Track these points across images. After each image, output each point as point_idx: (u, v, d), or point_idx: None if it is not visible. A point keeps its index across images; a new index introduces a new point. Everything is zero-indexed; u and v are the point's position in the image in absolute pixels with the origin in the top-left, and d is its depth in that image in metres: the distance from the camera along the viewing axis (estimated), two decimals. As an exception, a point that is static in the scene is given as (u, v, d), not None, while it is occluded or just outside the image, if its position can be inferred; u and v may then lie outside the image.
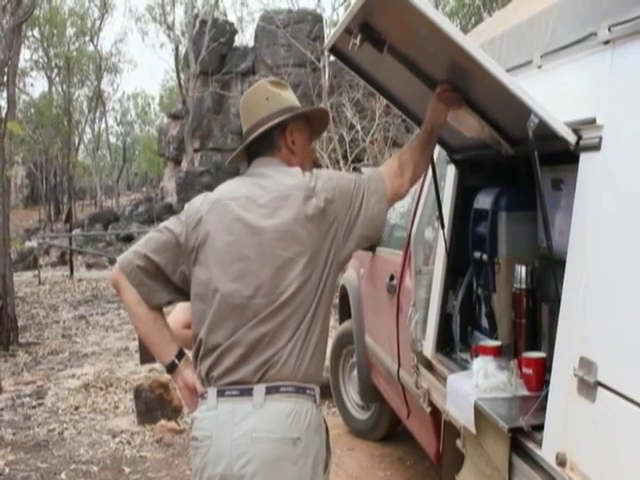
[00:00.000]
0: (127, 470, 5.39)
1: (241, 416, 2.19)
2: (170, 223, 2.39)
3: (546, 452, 2.15)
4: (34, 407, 7.22)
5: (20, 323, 10.96)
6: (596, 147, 2.07)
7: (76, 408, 7.08)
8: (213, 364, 2.26)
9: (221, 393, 2.23)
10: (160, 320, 2.38)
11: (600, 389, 1.90)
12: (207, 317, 2.28)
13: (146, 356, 2.61)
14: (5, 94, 10.94)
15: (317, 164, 16.96)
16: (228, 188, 2.43)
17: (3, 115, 10.46)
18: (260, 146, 2.46)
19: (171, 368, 2.39)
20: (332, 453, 2.43)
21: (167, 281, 2.35)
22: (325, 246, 2.28)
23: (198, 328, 2.31)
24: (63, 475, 5.36)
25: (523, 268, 2.86)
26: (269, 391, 2.19)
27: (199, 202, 2.40)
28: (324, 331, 2.32)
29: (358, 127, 14.95)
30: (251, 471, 2.15)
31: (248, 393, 2.20)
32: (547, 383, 2.33)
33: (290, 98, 2.50)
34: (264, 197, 2.31)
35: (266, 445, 2.17)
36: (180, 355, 2.38)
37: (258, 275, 2.24)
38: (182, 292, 2.38)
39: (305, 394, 2.23)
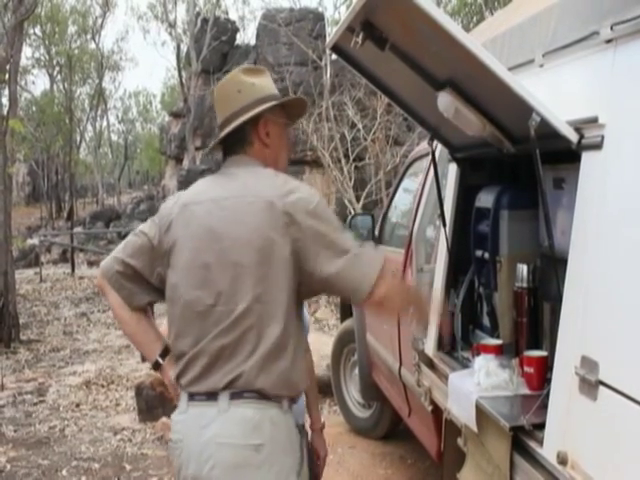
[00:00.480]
0: (128, 467, 5.40)
1: (207, 421, 2.18)
2: (145, 226, 2.39)
3: (547, 451, 2.15)
4: (35, 404, 7.24)
5: (21, 320, 10.99)
6: (598, 146, 2.07)
7: (77, 405, 7.10)
8: (181, 371, 2.26)
9: (191, 397, 2.24)
10: (143, 321, 2.39)
11: (602, 388, 1.90)
12: (174, 322, 2.29)
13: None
14: (7, 92, 10.95)
15: (319, 163, 16.96)
16: (198, 189, 2.38)
17: (5, 113, 10.47)
18: (233, 142, 2.40)
19: (156, 366, 2.41)
20: (304, 458, 2.36)
21: (146, 283, 2.36)
22: (285, 262, 2.18)
23: (169, 331, 2.34)
24: (64, 472, 5.37)
25: (525, 267, 2.86)
26: (233, 397, 2.17)
27: (171, 204, 2.38)
28: (295, 346, 2.24)
29: (360, 126, 14.94)
30: (215, 476, 2.16)
31: (214, 398, 2.19)
32: (548, 382, 2.32)
33: (265, 86, 2.41)
34: (229, 200, 2.25)
35: (229, 451, 2.16)
36: (164, 354, 2.38)
37: (218, 283, 2.19)
38: (162, 292, 2.37)
39: (270, 401, 2.18)
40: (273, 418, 2.18)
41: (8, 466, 5.50)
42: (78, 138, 39.40)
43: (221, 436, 2.16)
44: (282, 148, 2.45)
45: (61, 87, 37.57)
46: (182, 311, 2.25)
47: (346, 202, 14.87)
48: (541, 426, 2.22)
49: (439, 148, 3.51)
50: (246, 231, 2.18)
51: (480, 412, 2.57)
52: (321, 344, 7.52)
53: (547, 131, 2.15)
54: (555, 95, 2.42)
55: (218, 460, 2.15)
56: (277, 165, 2.40)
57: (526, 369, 2.64)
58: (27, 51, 35.76)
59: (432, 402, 3.47)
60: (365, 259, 2.21)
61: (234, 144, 2.39)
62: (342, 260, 2.17)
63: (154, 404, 6.38)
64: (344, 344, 6.10)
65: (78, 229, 26.46)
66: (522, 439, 2.33)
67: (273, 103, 2.37)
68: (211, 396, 2.19)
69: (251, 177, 2.30)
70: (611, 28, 2.09)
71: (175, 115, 29.36)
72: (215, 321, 2.19)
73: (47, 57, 36.95)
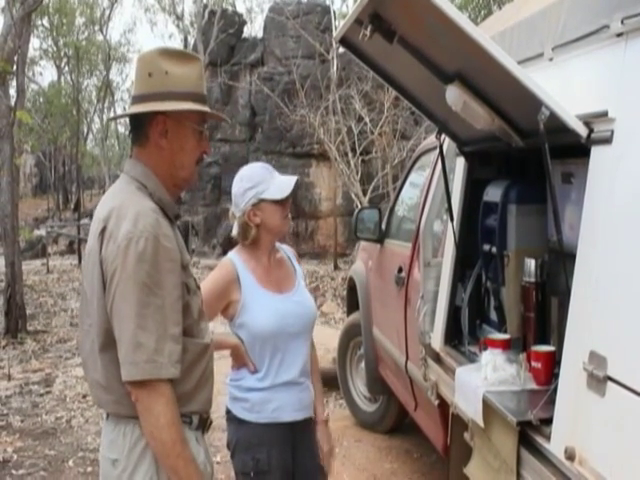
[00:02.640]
0: (134, 459, 5.41)
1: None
2: None
3: (555, 446, 2.15)
4: (42, 395, 7.27)
5: (28, 311, 11.02)
6: (607, 140, 2.06)
7: (84, 396, 7.11)
8: None
9: None
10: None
11: (610, 383, 1.89)
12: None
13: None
14: (14, 83, 10.97)
15: (325, 156, 16.95)
16: (100, 202, 2.19)
17: (12, 104, 10.48)
18: (133, 129, 2.17)
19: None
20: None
21: None
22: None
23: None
24: (70, 462, 5.39)
25: (532, 261, 2.85)
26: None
27: None
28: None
29: (367, 119, 14.92)
30: None
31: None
32: (556, 377, 2.32)
33: (181, 79, 2.10)
34: (92, 228, 2.11)
35: (101, 462, 2.20)
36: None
37: (90, 314, 2.12)
38: None
39: (125, 417, 2.09)
40: (127, 435, 2.08)
41: (15, 456, 5.52)
42: (85, 130, 39.40)
43: (101, 446, 2.21)
44: (184, 152, 2.15)
45: (68, 79, 37.54)
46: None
47: (353, 196, 14.87)
48: (548, 421, 2.23)
49: (447, 142, 3.51)
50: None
51: (487, 407, 2.56)
52: (327, 338, 7.53)
53: (556, 125, 2.14)
54: (564, 89, 2.40)
55: (100, 468, 2.21)
56: (177, 170, 2.16)
57: (534, 364, 2.64)
58: (35, 42, 35.74)
59: (439, 396, 3.47)
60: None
61: (134, 129, 2.17)
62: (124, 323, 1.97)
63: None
64: (350, 338, 6.11)
65: (85, 220, 26.45)
66: (529, 434, 2.33)
67: (170, 108, 2.08)
68: None
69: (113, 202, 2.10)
70: (622, 22, 2.08)
71: (182, 107, 29.26)
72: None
73: (55, 48, 36.95)
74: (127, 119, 2.21)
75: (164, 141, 2.12)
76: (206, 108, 2.17)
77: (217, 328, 2.35)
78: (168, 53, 2.14)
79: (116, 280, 1.96)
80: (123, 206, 2.02)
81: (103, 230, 2.02)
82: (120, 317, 1.96)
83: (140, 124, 2.13)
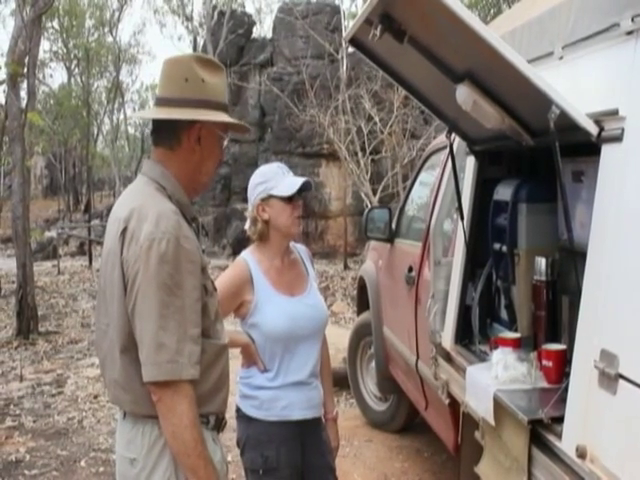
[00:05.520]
0: (146, 459, 5.42)
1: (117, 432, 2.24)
2: None
3: (566, 444, 2.15)
4: (54, 395, 7.30)
5: (40, 312, 11.06)
6: (618, 138, 2.06)
7: (95, 397, 7.14)
8: None
9: None
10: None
11: (621, 381, 1.89)
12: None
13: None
14: (25, 85, 11.00)
15: (335, 156, 16.95)
16: (117, 202, 2.21)
17: (23, 106, 10.53)
18: (160, 131, 2.19)
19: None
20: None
21: None
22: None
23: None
24: (82, 463, 5.41)
25: (543, 260, 2.85)
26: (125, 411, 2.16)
27: None
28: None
29: (376, 119, 14.91)
30: None
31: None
32: (567, 375, 2.32)
33: (215, 88, 2.16)
34: (111, 228, 2.11)
35: (118, 461, 2.20)
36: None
37: (102, 315, 2.15)
38: None
39: (143, 417, 2.09)
40: (146, 434, 2.09)
41: (27, 456, 5.55)
42: (95, 131, 39.47)
43: (117, 446, 2.22)
44: (211, 159, 2.22)
45: (79, 80, 37.64)
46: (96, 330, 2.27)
47: (363, 195, 14.86)
48: (560, 420, 2.23)
49: (457, 141, 3.51)
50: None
51: (498, 405, 2.56)
52: (337, 337, 7.53)
53: (566, 124, 2.14)
54: (575, 87, 2.40)
55: (116, 467, 2.22)
56: (200, 176, 2.21)
57: (544, 362, 2.64)
58: (45, 44, 35.74)
59: (449, 395, 3.47)
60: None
61: (161, 134, 2.19)
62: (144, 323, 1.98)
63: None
64: (361, 337, 6.11)
65: (95, 222, 26.58)
66: (540, 433, 2.33)
67: (213, 119, 2.15)
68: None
69: (132, 203, 2.10)
70: (632, 20, 2.08)
71: (192, 108, 29.25)
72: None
73: (65, 50, 37.04)
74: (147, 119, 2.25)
75: (198, 147, 2.15)
76: (239, 121, 2.26)
77: (227, 327, 2.36)
78: (202, 61, 2.17)
79: (138, 281, 1.97)
80: (144, 207, 2.03)
81: (124, 231, 2.02)
82: (142, 318, 1.97)
83: (173, 127, 2.15)
